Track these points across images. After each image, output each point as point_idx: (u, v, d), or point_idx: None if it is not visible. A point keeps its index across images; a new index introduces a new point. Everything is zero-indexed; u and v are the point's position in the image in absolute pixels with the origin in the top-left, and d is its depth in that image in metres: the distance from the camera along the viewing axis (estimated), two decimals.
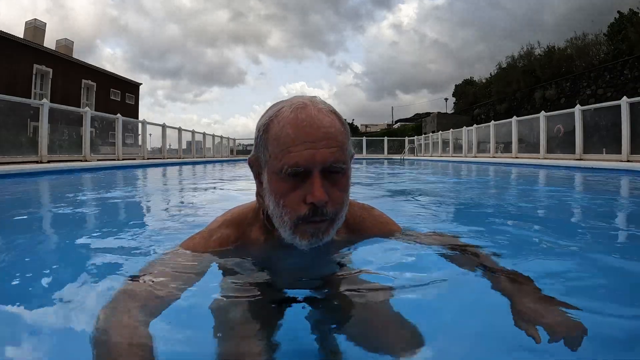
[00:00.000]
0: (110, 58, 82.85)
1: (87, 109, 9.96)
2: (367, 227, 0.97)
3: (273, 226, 0.80)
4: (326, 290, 0.85)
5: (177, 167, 10.65)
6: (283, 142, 0.71)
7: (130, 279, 0.75)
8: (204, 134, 19.35)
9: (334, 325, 0.74)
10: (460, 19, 75.28)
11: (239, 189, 4.45)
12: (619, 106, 7.84)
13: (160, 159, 13.66)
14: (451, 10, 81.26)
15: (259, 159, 0.79)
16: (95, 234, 1.76)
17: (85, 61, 26.23)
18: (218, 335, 0.68)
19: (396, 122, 45.31)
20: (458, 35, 76.13)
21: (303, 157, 0.69)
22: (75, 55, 25.65)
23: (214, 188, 4.59)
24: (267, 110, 0.79)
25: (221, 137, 23.33)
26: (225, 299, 0.80)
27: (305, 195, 0.71)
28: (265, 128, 0.76)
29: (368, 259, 0.99)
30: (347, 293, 0.82)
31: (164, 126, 14.56)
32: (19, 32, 22.03)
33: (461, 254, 0.97)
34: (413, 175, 7.25)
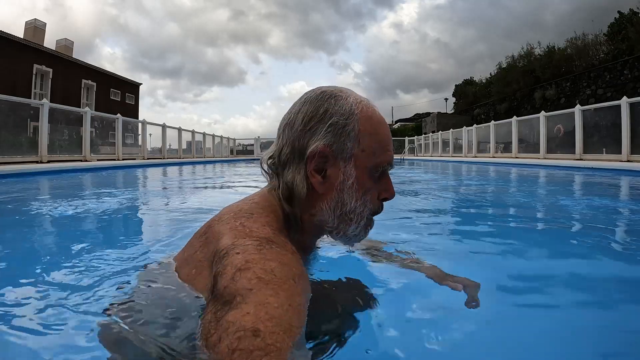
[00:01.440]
0: (110, 57, 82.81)
1: (87, 109, 9.95)
2: None
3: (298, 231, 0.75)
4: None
5: (177, 167, 10.65)
6: (381, 139, 0.73)
7: None
8: (204, 134, 19.34)
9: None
10: (462, 18, 75.26)
11: (243, 189, 4.45)
12: (619, 106, 7.84)
13: (160, 159, 13.66)
14: (452, 9, 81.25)
15: (338, 148, 0.70)
16: (94, 235, 1.76)
17: (85, 61, 26.24)
18: None
19: (396, 122, 45.30)
20: (459, 34, 76.12)
21: (391, 158, 0.76)
22: (75, 55, 25.66)
23: (215, 188, 4.59)
24: (334, 98, 0.72)
25: (221, 137, 23.33)
26: None
27: (380, 192, 0.75)
28: (355, 119, 0.71)
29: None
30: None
31: (164, 126, 14.55)
32: (16, 31, 22.05)
33: (387, 254, 1.11)
34: (412, 175, 7.25)
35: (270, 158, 0.75)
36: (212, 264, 0.59)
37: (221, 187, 4.75)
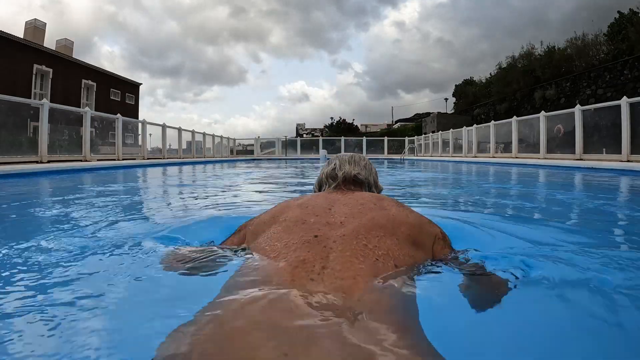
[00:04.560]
0: (109, 56, 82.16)
1: (87, 109, 9.95)
2: None
3: None
4: None
5: (177, 167, 10.65)
6: None
7: None
8: (204, 134, 19.33)
9: None
10: (464, 17, 74.92)
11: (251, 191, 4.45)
12: (619, 106, 7.84)
13: (160, 159, 13.66)
14: (455, 8, 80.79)
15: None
16: (94, 236, 1.75)
17: (84, 59, 26.25)
18: None
19: (396, 122, 45.28)
20: (462, 33, 75.71)
21: None
22: (73, 54, 25.65)
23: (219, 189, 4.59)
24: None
25: (221, 137, 23.31)
26: None
27: None
28: None
29: None
30: None
31: (164, 126, 14.55)
32: (14, 29, 22.05)
33: None
34: (413, 174, 7.25)
35: (363, 179, 1.26)
36: (423, 225, 1.03)
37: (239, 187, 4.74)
